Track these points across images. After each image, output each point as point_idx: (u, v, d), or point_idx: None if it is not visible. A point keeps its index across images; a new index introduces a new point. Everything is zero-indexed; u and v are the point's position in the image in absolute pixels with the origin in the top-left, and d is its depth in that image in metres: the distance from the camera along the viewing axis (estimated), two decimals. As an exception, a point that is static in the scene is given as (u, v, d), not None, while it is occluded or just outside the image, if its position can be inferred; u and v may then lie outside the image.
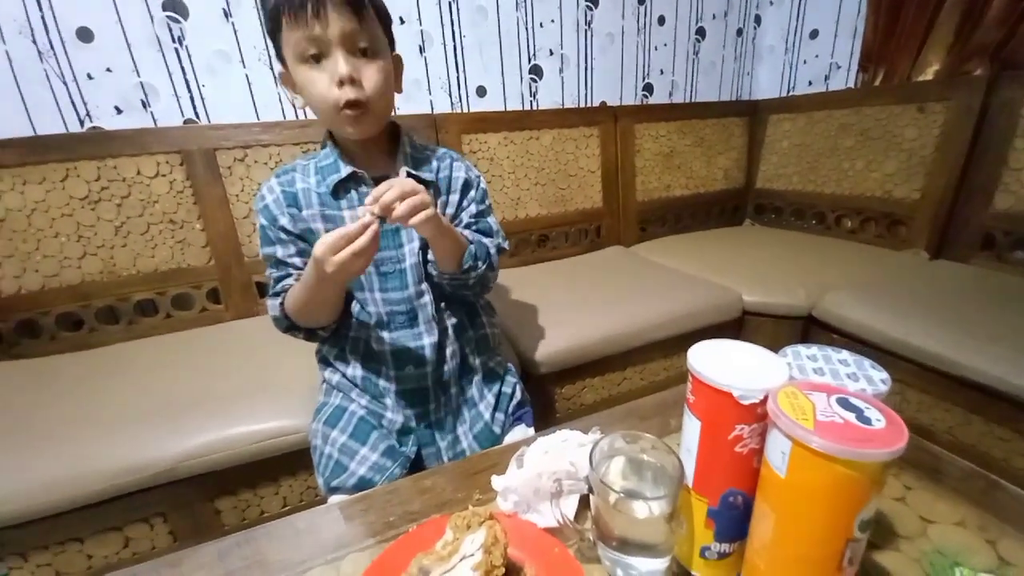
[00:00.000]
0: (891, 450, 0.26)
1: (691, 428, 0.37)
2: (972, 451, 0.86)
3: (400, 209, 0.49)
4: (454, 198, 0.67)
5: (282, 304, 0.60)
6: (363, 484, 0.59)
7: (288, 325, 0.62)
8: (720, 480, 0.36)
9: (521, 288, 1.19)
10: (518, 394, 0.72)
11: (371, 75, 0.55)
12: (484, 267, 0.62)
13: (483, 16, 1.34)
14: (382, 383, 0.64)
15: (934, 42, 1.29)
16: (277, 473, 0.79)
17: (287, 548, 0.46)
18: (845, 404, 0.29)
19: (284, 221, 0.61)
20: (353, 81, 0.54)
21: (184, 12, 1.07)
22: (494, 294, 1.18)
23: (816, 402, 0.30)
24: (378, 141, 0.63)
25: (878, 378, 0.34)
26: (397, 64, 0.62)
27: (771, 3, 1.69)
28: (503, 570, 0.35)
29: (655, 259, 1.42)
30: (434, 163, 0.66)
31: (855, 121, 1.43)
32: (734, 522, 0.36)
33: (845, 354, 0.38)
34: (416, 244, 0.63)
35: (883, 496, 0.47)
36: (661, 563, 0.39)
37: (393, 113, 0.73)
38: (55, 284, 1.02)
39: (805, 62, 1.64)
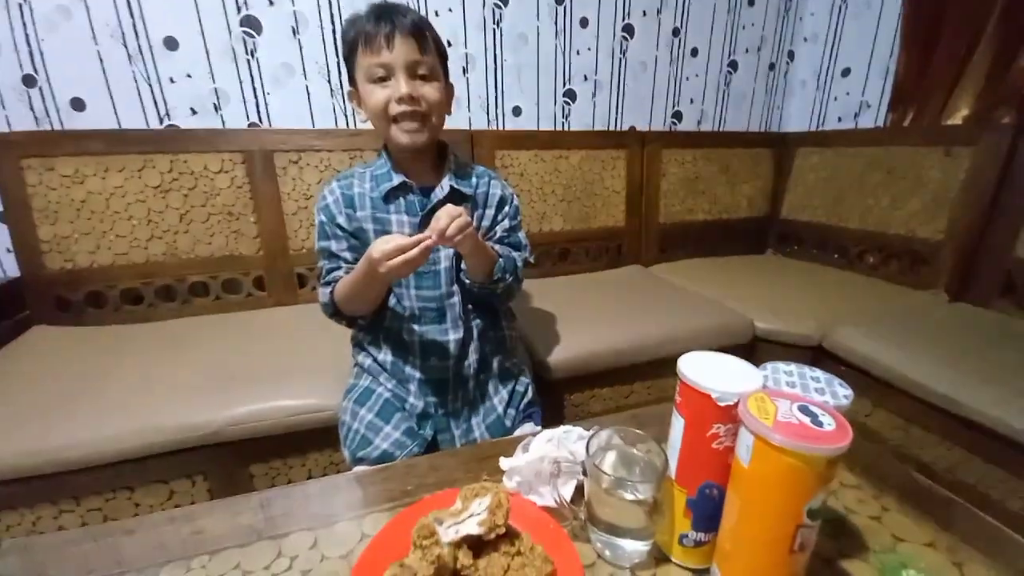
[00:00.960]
0: (833, 447, 0.31)
1: (676, 426, 0.42)
2: (972, 491, 0.87)
3: (451, 229, 0.57)
4: (490, 212, 0.75)
5: (331, 292, 0.68)
6: (385, 457, 0.66)
7: (334, 311, 0.70)
8: (698, 473, 0.41)
9: (541, 298, 1.25)
10: (529, 394, 0.78)
11: (428, 92, 0.65)
12: (511, 279, 0.70)
13: (523, 42, 1.43)
14: (408, 370, 0.72)
15: (964, 87, 1.31)
16: (306, 446, 0.86)
17: (318, 504, 0.53)
18: (804, 410, 0.35)
19: (341, 220, 0.70)
20: (412, 99, 0.63)
21: (259, 28, 1.20)
22: (516, 302, 1.25)
23: (779, 406, 0.35)
24: (427, 155, 0.71)
25: (842, 394, 0.39)
26: (449, 91, 0.71)
27: (805, 40, 1.73)
28: (503, 530, 0.41)
29: (672, 280, 1.46)
30: (474, 180, 0.75)
31: (882, 159, 1.45)
32: (709, 513, 0.41)
33: (819, 372, 0.43)
34: (451, 250, 0.71)
35: (860, 515, 0.51)
36: (643, 545, 0.45)
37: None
38: (123, 262, 1.15)
39: (836, 99, 1.67)
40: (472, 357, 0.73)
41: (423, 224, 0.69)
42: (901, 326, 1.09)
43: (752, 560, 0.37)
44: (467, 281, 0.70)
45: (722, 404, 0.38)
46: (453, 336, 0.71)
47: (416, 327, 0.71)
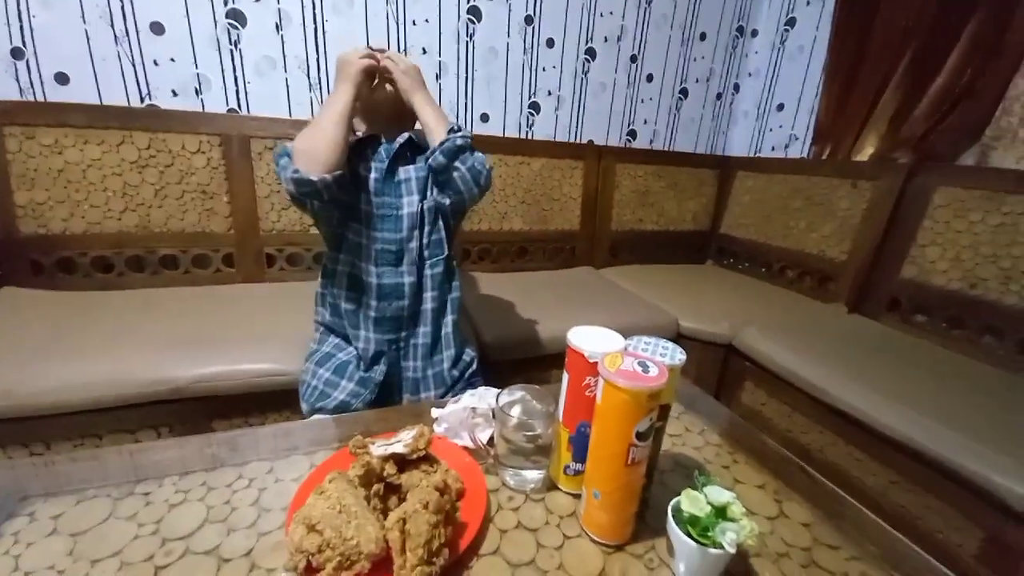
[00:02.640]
0: (649, 386, 0.44)
1: (564, 380, 0.55)
2: (835, 469, 1.04)
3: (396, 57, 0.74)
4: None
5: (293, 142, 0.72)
6: (342, 407, 0.76)
7: (283, 153, 0.71)
8: (576, 415, 0.54)
9: (495, 289, 1.38)
10: (474, 365, 0.89)
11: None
12: (464, 142, 0.76)
13: (494, 56, 1.55)
14: (363, 313, 0.79)
15: (871, 129, 1.52)
16: (265, 407, 0.96)
17: (278, 441, 0.63)
18: (641, 364, 0.48)
19: None
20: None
21: (244, 21, 1.28)
22: (471, 289, 1.37)
23: (625, 361, 0.48)
24: (395, 125, 0.82)
25: (678, 357, 0.53)
26: None
27: (749, 75, 1.92)
28: (424, 453, 0.53)
29: (618, 281, 1.61)
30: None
31: (804, 187, 1.65)
32: (584, 447, 0.54)
33: (669, 344, 0.56)
34: (415, 198, 0.79)
35: (715, 465, 0.65)
36: (538, 474, 0.58)
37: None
38: (96, 231, 1.20)
39: (771, 130, 1.87)
40: (426, 304, 0.81)
41: (389, 169, 0.79)
42: (799, 332, 1.27)
43: (601, 473, 0.50)
44: (431, 159, 0.75)
45: (591, 361, 0.51)
46: (408, 279, 0.79)
47: (374, 268, 0.78)
